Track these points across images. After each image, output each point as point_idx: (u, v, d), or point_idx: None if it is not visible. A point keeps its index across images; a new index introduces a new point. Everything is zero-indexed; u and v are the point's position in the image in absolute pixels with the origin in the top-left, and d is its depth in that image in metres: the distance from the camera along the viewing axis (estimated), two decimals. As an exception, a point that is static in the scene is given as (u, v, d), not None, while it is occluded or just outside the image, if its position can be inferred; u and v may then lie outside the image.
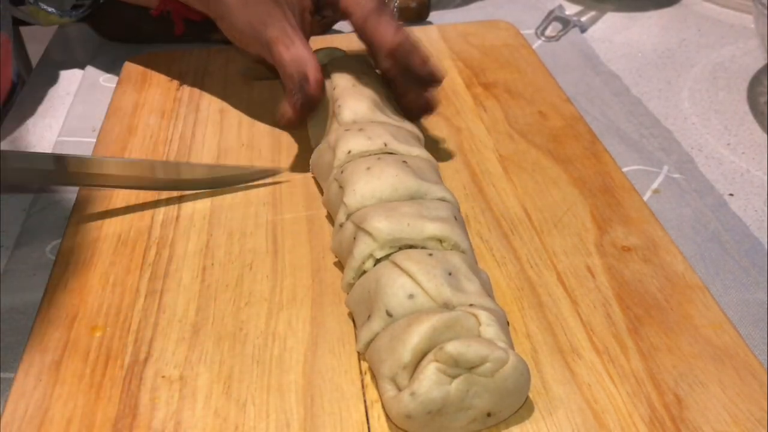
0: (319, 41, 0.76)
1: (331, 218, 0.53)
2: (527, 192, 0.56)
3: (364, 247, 0.45)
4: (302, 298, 0.47)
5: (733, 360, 0.43)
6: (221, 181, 0.57)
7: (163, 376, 0.43)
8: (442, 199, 0.48)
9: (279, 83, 0.70)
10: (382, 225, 0.45)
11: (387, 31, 0.55)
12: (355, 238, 0.46)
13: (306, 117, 0.57)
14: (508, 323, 0.43)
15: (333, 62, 0.62)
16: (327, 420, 0.40)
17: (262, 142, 0.63)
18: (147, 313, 0.47)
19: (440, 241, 0.45)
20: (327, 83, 0.60)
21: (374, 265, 0.45)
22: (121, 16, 0.79)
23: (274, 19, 0.56)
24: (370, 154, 0.53)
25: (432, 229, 0.45)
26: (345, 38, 0.79)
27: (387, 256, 0.45)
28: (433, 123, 0.64)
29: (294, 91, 0.55)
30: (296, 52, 0.55)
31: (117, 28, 0.81)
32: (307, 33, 0.60)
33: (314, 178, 0.58)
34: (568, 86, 0.71)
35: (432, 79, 0.58)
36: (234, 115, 0.66)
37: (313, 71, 0.54)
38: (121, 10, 0.78)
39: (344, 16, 0.58)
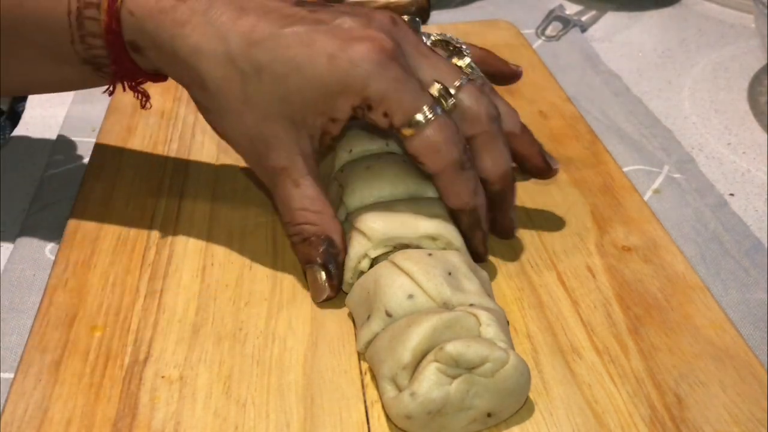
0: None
1: (331, 218, 0.53)
2: (527, 192, 0.56)
3: (358, 248, 0.45)
4: (302, 298, 0.47)
5: (734, 360, 0.43)
6: None
7: (162, 376, 0.43)
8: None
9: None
10: (376, 224, 0.45)
11: (462, 192, 0.44)
12: (350, 238, 0.46)
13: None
14: (508, 323, 0.43)
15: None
16: (327, 420, 0.40)
17: (262, 142, 0.62)
18: (147, 313, 0.47)
19: (434, 239, 0.45)
20: None
21: (370, 265, 0.45)
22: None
23: (281, 142, 0.43)
24: (371, 153, 0.53)
25: (426, 227, 0.45)
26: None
27: (384, 256, 0.45)
28: (434, 123, 0.64)
29: (317, 262, 0.45)
30: (307, 198, 0.44)
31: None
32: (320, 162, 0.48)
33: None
34: (569, 86, 0.71)
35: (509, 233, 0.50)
36: (234, 114, 0.66)
37: (335, 230, 0.45)
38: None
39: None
